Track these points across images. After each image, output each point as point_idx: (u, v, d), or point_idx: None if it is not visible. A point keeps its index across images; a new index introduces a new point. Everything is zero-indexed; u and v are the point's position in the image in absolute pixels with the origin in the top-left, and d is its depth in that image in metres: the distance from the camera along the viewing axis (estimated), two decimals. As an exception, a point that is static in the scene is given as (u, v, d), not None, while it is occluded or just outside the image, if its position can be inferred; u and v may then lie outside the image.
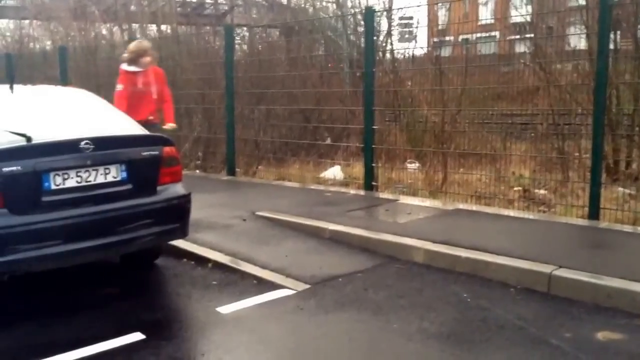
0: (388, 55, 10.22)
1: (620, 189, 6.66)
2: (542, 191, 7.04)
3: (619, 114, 6.83)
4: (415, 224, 5.81)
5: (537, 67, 8.09)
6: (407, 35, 9.83)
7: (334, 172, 9.01)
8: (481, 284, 4.47)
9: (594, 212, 5.64)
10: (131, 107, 6.13)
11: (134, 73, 6.52)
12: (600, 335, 3.53)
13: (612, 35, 5.74)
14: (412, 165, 8.72)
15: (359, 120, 8.06)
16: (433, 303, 4.17)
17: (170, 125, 6.81)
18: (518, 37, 12.43)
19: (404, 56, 11.11)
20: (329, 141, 9.91)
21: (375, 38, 7.98)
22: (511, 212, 6.18)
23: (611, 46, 5.95)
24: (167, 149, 4.67)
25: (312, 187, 8.15)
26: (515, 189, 7.22)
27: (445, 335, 3.62)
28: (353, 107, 8.67)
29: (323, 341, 3.66)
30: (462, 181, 7.67)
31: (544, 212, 6.32)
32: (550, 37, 9.16)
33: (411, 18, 13.57)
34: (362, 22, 7.79)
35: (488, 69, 10.10)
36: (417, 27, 14.23)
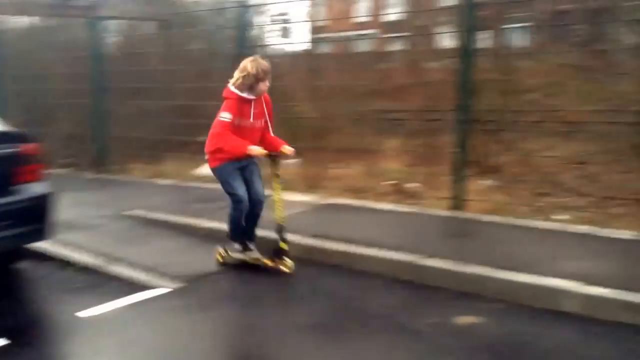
0: (264, 51, 10.16)
1: (485, 181, 7.06)
2: (413, 185, 7.30)
3: (483, 110, 7.23)
4: (290, 218, 5.82)
5: (408, 64, 8.39)
6: (283, 32, 9.89)
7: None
8: (354, 275, 4.57)
9: (460, 203, 5.94)
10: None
11: (247, 101, 4.63)
12: (461, 320, 3.70)
13: (476, 35, 6.03)
14: (291, 161, 8.75)
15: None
16: (306, 296, 4.21)
17: (287, 149, 4.82)
18: (392, 35, 12.82)
19: (283, 52, 11.15)
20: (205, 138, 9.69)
21: (251, 33, 7.90)
22: (384, 206, 6.35)
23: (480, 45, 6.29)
24: (25, 146, 4.37)
25: (187, 184, 7.96)
26: (387, 183, 7.44)
27: (316, 327, 3.66)
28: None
29: (196, 338, 3.57)
30: (339, 176, 7.79)
31: (414, 204, 6.56)
32: (421, 35, 9.52)
33: (286, 14, 13.61)
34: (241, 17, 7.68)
35: (365, 66, 10.38)
36: (293, 23, 14.27)
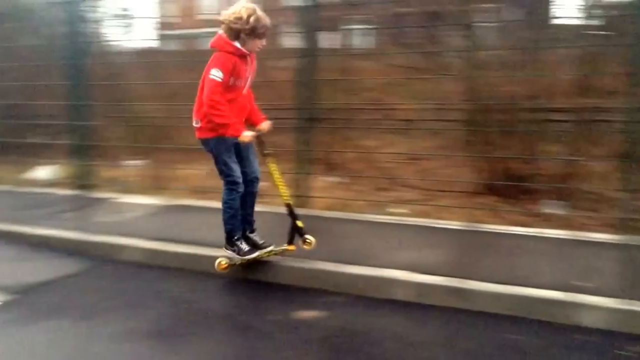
0: (105, 47, 9.69)
1: (330, 178, 7.28)
2: (261, 183, 7.32)
3: (326, 109, 7.45)
4: (131, 222, 5.60)
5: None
6: (125, 27, 9.49)
7: (46, 172, 8.24)
8: (197, 277, 4.48)
9: (304, 200, 6.06)
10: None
11: (244, 57, 3.95)
12: (302, 315, 3.77)
13: (318, 35, 6.17)
14: (135, 162, 8.42)
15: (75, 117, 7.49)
16: (145, 302, 4.05)
17: (267, 125, 4.38)
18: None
19: (125, 49, 10.67)
20: (40, 139, 9.02)
21: (87, 28, 7.46)
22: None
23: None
24: None
25: (19, 189, 7.35)
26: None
27: (153, 333, 3.54)
28: (60, 102, 8.01)
29: (26, 352, 3.29)
30: (185, 177, 7.61)
31: (261, 203, 6.57)
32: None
33: (127, 9, 13.05)
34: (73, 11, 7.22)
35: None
36: (135, 18, 13.70)
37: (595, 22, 7.07)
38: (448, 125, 7.53)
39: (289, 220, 4.41)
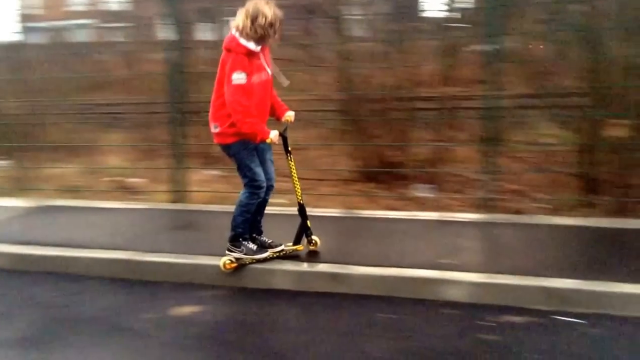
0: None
1: (211, 171, 7.18)
2: (136, 180, 7.12)
3: (203, 102, 7.33)
4: (-4, 227, 5.25)
5: (127, 56, 8.11)
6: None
7: None
8: (70, 280, 4.30)
9: (182, 195, 5.96)
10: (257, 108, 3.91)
11: (256, 55, 3.82)
12: (180, 311, 3.73)
13: (190, 27, 6.08)
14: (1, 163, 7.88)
15: None
16: (13, 310, 3.84)
17: (290, 116, 4.24)
18: (111, 25, 12.24)
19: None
20: None
21: None
22: (105, 204, 6.07)
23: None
24: None
25: None
26: (109, 179, 7.14)
27: (22, 341, 3.37)
28: None
29: None
30: (55, 176, 7.23)
31: (138, 200, 6.40)
32: (138, 26, 9.25)
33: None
34: None
35: (81, 58, 9.73)
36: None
37: (456, 15, 7.51)
38: (325, 116, 7.68)
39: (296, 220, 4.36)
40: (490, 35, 5.06)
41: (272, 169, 4.24)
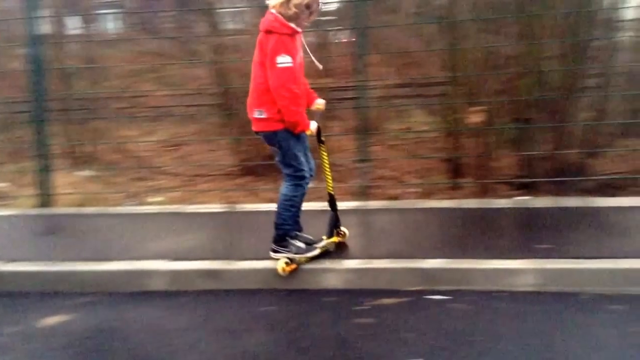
0: None
1: (82, 172, 6.84)
2: (1, 184, 6.64)
3: (71, 99, 6.98)
4: None
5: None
6: None
7: None
8: None
9: (48, 199, 5.63)
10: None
11: (296, 34, 3.56)
12: (46, 322, 3.52)
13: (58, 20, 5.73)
14: None
15: None
16: None
17: (320, 102, 4.06)
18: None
19: None
20: None
21: None
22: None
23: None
24: None
25: None
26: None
27: None
28: None
29: None
30: None
31: (3, 206, 5.98)
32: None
33: None
34: None
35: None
36: None
37: (330, 8, 7.63)
38: (203, 110, 7.56)
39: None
40: (358, 28, 5.19)
41: (311, 158, 3.97)
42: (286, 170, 3.80)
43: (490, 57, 5.34)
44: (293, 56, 3.47)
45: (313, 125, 3.70)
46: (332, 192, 4.09)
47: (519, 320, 3.26)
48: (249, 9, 7.35)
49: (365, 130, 5.33)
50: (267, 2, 3.59)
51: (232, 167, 6.78)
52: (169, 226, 4.98)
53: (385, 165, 6.21)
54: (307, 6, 3.50)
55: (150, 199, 6.06)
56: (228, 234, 4.75)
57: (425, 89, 7.20)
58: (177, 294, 3.87)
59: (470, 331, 3.16)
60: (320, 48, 6.68)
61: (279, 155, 3.76)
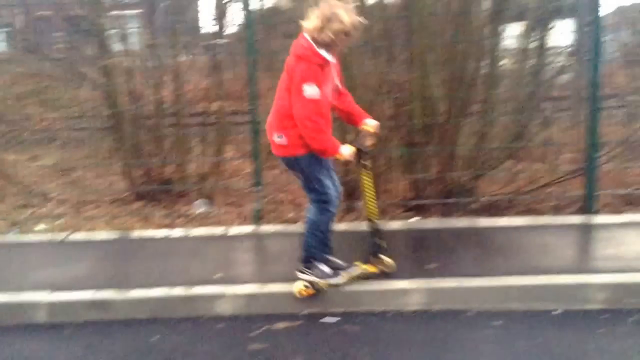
0: None
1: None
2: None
3: None
4: None
5: None
6: None
7: None
8: None
9: None
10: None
11: (328, 64, 3.40)
12: None
13: None
14: None
15: None
16: None
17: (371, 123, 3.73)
18: None
19: None
20: None
21: None
22: None
23: None
24: None
25: None
26: None
27: None
28: None
29: None
30: None
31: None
32: None
33: None
34: None
35: None
36: None
37: (225, 31, 7.63)
38: (93, 134, 7.27)
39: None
40: (250, 53, 5.20)
41: (336, 178, 3.77)
42: (310, 195, 3.66)
43: (381, 84, 5.50)
44: (321, 86, 3.32)
45: (345, 150, 3.46)
46: (373, 218, 3.81)
47: (407, 340, 3.34)
48: (137, 30, 7.21)
49: (259, 154, 5.32)
50: (301, 23, 3.43)
51: (124, 192, 6.54)
52: (54, 255, 4.73)
53: (282, 188, 6.22)
54: (346, 34, 3.33)
55: (35, 227, 5.72)
56: (116, 262, 4.56)
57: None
58: (60, 325, 3.66)
59: (359, 353, 3.20)
60: (217, 71, 6.63)
61: (302, 180, 3.63)
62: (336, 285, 3.74)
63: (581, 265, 4.10)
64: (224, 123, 6.59)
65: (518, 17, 6.07)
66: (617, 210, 5.44)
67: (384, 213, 5.37)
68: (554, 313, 3.59)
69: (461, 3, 5.43)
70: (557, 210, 5.55)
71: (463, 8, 5.39)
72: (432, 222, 5.17)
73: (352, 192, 5.36)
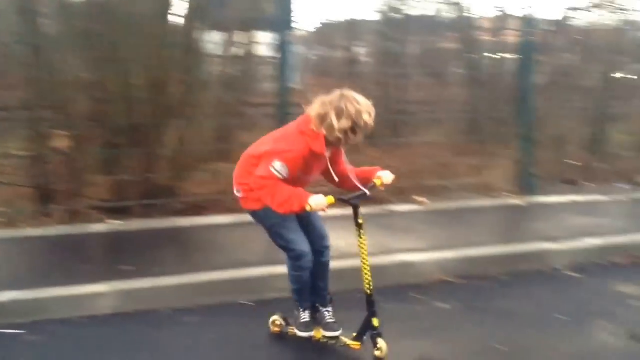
0: None
1: None
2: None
3: None
4: None
5: None
6: None
7: None
8: None
9: None
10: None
11: (321, 157, 2.98)
12: None
13: None
14: None
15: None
16: None
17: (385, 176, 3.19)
18: None
19: None
20: None
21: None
22: None
23: None
24: None
25: None
26: None
27: None
28: None
29: None
30: None
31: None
32: None
33: None
34: None
35: None
36: None
37: None
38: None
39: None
40: None
41: (322, 229, 3.29)
42: (280, 248, 3.24)
43: (78, 83, 5.27)
44: (293, 171, 2.91)
45: (314, 201, 2.85)
46: (369, 293, 3.16)
47: (98, 345, 3.29)
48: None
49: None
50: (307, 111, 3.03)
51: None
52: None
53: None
54: (352, 130, 2.90)
55: None
56: None
57: (18, 113, 6.67)
58: None
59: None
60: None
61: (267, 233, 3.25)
62: (301, 337, 3.35)
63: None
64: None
65: (223, 26, 6.38)
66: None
67: (85, 216, 5.18)
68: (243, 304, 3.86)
69: (159, 7, 5.49)
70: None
71: (160, 12, 5.46)
72: (133, 224, 5.13)
73: (47, 196, 5.05)
